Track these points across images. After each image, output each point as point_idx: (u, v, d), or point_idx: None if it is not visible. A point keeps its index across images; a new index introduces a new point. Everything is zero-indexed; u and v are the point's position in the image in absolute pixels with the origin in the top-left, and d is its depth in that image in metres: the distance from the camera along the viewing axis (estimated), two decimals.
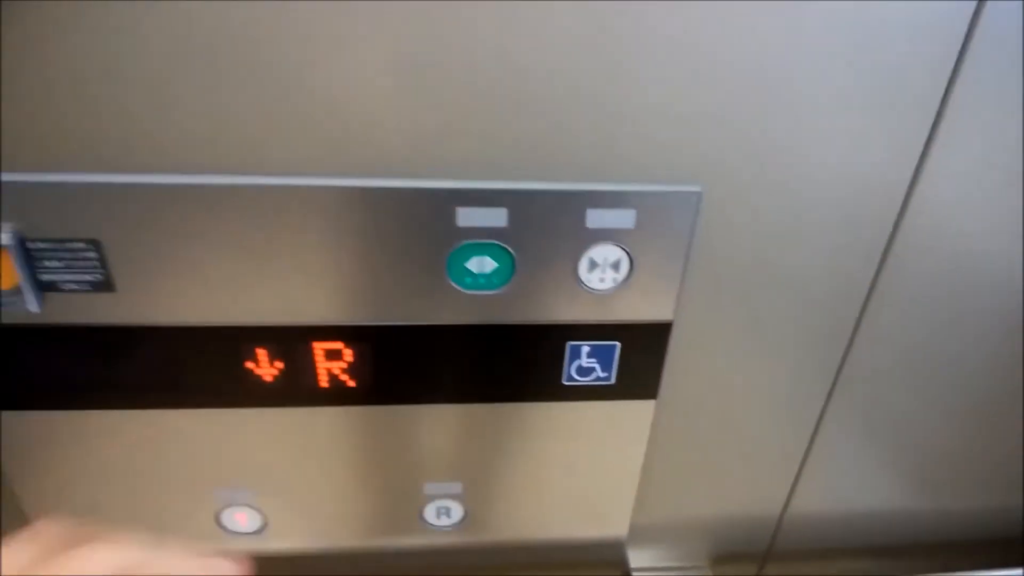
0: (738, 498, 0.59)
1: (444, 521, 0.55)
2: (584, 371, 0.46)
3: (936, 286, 0.47)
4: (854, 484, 0.59)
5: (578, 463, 0.52)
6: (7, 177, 0.36)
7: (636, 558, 0.62)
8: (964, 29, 0.37)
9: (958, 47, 0.38)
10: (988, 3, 0.36)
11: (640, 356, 0.46)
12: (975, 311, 0.49)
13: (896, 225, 0.44)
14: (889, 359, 0.51)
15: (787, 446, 0.55)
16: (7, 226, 0.37)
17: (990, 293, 0.48)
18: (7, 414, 0.45)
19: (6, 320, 0.41)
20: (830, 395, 0.52)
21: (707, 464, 0.55)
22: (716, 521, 0.60)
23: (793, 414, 0.53)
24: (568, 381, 0.47)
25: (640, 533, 0.59)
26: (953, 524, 0.65)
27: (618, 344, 0.45)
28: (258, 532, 0.54)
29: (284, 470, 0.50)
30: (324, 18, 0.34)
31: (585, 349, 0.45)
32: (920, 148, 0.41)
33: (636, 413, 0.49)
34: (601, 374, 0.46)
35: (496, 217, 0.39)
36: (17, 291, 0.39)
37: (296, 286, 0.41)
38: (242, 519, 0.53)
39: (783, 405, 0.52)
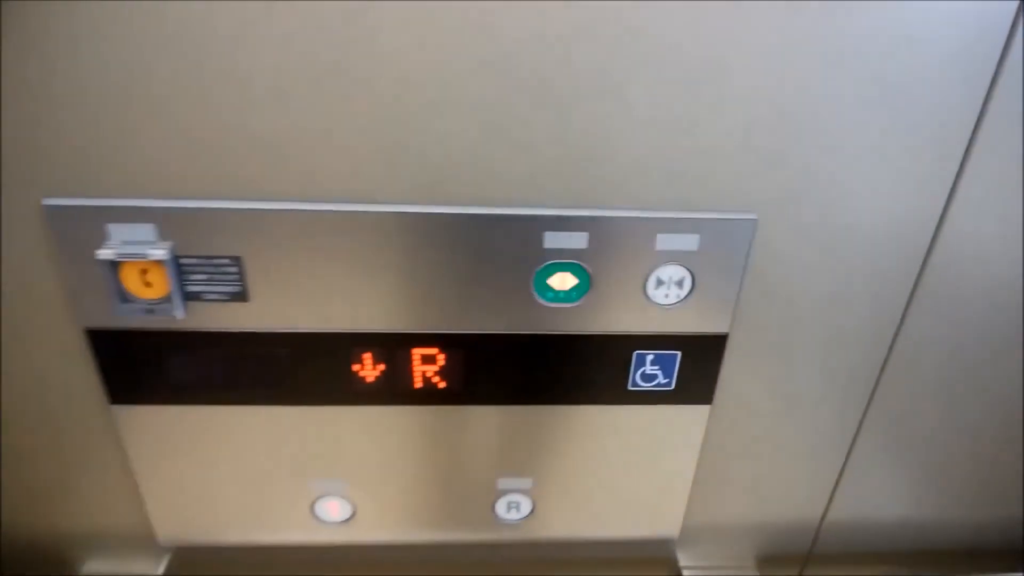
0: (781, 503, 0.63)
1: (513, 515, 0.60)
2: (648, 377, 0.52)
3: (965, 308, 0.52)
4: (889, 493, 0.63)
5: (638, 463, 0.57)
6: (168, 204, 0.43)
7: (685, 557, 0.66)
8: (989, 78, 0.42)
9: (983, 95, 0.43)
10: (1013, 48, 0.41)
11: (698, 364, 0.51)
12: (1001, 330, 0.53)
13: (928, 252, 0.49)
14: (922, 376, 0.55)
15: (827, 455, 0.60)
16: (165, 244, 0.44)
17: (1015, 314, 0.53)
18: (142, 408, 0.52)
19: (153, 325, 0.48)
20: (866, 409, 0.57)
21: (753, 469, 0.60)
22: (761, 524, 0.65)
23: (832, 425, 0.58)
24: (633, 386, 0.52)
25: (690, 533, 0.64)
26: (982, 532, 0.68)
27: (679, 353, 0.51)
28: (346, 522, 0.60)
29: (375, 463, 0.56)
30: (435, 75, 0.40)
31: (649, 357, 0.51)
32: (949, 184, 0.46)
33: (692, 417, 0.54)
34: (663, 380, 0.52)
35: (578, 240, 0.45)
36: (167, 299, 0.46)
37: (401, 298, 0.47)
38: (334, 509, 0.59)
39: (823, 416, 0.57)
